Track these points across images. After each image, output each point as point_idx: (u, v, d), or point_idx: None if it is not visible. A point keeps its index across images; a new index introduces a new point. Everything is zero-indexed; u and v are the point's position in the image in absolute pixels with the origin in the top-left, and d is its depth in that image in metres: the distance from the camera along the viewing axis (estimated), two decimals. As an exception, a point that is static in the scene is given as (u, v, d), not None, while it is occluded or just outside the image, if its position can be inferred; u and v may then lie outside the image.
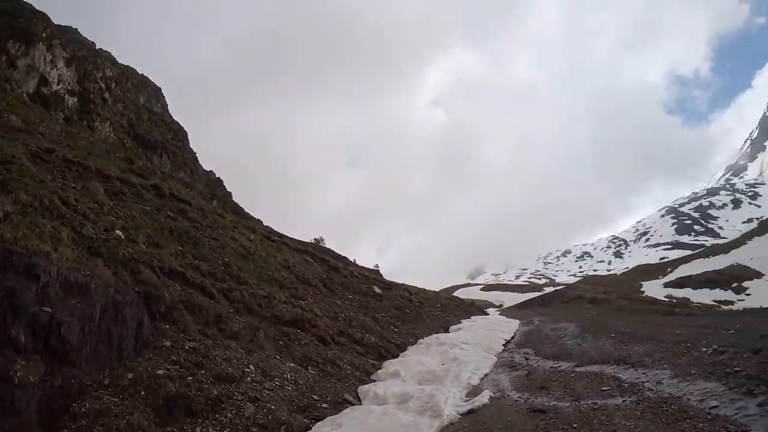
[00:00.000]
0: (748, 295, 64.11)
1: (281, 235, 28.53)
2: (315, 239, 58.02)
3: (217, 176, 49.57)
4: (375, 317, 17.09)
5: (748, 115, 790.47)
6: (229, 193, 48.93)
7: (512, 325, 25.39)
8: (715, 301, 62.89)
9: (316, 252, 26.09)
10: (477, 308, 44.42)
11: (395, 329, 17.02)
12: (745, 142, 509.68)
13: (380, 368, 11.94)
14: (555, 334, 18.22)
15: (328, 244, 58.90)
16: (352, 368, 11.18)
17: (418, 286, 42.86)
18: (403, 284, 34.35)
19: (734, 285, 69.15)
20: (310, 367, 10.14)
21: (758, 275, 70.37)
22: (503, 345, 17.39)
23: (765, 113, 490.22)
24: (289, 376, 8.90)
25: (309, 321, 12.42)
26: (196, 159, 47.33)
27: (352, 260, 58.54)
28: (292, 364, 9.76)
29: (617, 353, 11.75)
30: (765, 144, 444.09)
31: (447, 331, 20.54)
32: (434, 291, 44.19)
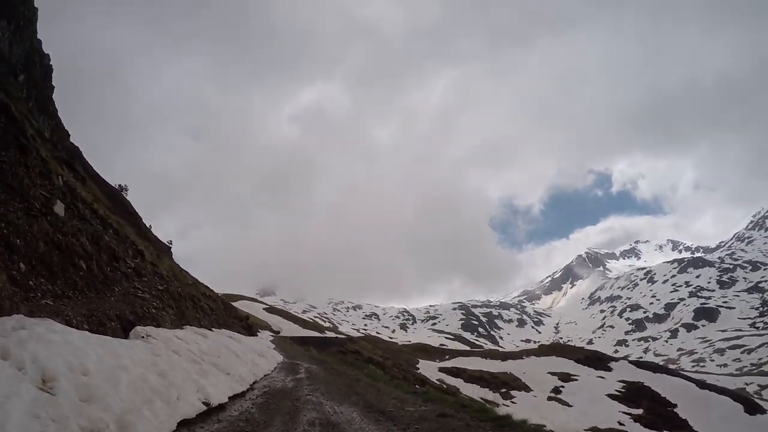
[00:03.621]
0: (513, 402, 64.40)
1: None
2: (119, 185, 51.25)
3: (49, 62, 37.26)
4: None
5: (554, 258, 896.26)
6: (53, 87, 37.26)
7: (264, 365, 17.21)
8: (482, 398, 62.34)
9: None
10: (244, 322, 36.44)
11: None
12: (547, 278, 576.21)
13: None
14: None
15: (132, 197, 51.49)
16: None
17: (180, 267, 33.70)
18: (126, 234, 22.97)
19: (503, 390, 69.54)
20: None
21: (527, 389, 71.45)
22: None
23: (572, 263, 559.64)
24: None
25: None
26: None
27: (149, 226, 51.58)
28: None
29: None
30: (562, 286, 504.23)
31: (125, 333, 10.52)
32: (196, 279, 35.00)
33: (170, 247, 55.61)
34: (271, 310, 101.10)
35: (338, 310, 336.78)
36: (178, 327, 15.09)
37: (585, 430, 52.73)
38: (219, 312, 28.06)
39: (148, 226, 50.92)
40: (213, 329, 19.40)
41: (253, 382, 13.39)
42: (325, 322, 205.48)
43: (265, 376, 15.51)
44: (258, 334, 42.00)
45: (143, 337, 10.62)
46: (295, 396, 12.07)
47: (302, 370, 19.01)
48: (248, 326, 37.80)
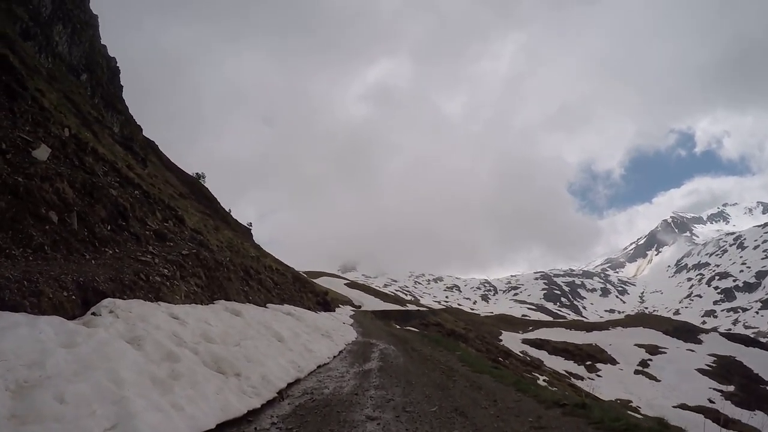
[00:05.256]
0: (599, 376, 63.71)
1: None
2: (196, 174, 54.88)
3: (116, 65, 39.99)
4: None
5: (638, 223, 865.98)
6: (121, 87, 40.12)
7: (322, 350, 13.57)
8: (566, 371, 62.18)
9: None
10: (320, 297, 36.30)
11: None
12: (631, 244, 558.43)
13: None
14: None
15: (209, 184, 55.13)
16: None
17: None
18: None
19: (588, 363, 68.39)
20: None
21: (613, 361, 70.09)
22: None
23: (657, 228, 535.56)
24: None
25: None
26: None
27: (228, 210, 53.98)
28: None
29: None
30: (647, 253, 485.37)
31: (86, 307, 7.39)
32: (265, 252, 34.35)
33: (250, 229, 58.19)
34: (352, 285, 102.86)
35: (419, 283, 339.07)
36: (201, 301, 12.02)
37: (673, 407, 50.80)
38: (286, 286, 26.67)
39: (227, 210, 52.27)
40: (268, 305, 17.24)
41: (289, 384, 9.01)
42: (406, 295, 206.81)
43: (318, 368, 11.63)
44: (337, 309, 42.41)
45: (94, 313, 7.29)
46: (345, 422, 6.73)
47: (375, 354, 15.61)
48: (326, 302, 37.46)
